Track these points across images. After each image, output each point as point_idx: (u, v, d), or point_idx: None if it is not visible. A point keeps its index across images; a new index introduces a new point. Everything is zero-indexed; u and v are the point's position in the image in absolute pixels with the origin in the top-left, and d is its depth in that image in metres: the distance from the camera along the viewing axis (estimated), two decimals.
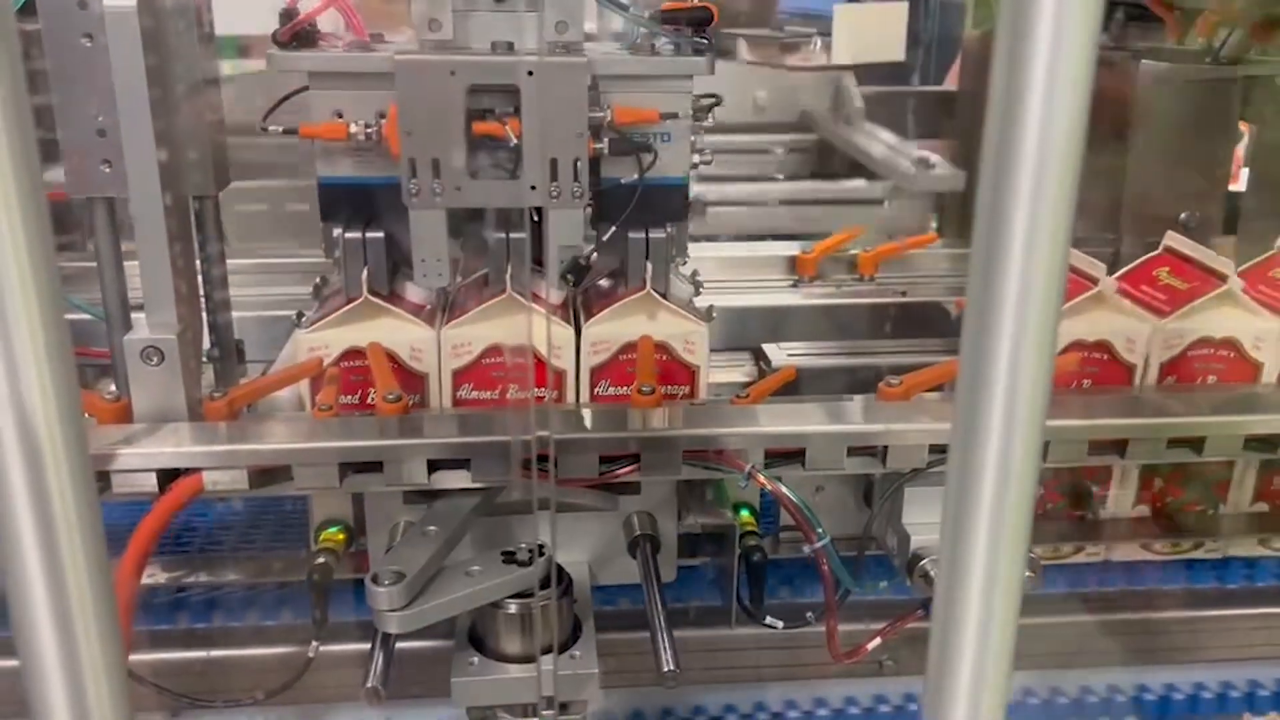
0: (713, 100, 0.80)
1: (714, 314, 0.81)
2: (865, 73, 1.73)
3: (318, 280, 0.86)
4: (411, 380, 0.77)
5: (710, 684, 0.84)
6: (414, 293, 0.81)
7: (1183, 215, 1.09)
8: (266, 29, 0.75)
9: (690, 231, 0.84)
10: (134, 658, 0.65)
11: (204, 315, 0.78)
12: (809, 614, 0.78)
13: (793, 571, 0.88)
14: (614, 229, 0.78)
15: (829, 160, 1.56)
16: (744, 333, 1.02)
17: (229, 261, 0.82)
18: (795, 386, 0.87)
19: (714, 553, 0.87)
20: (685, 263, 0.84)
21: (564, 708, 0.69)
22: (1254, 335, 0.82)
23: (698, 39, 0.77)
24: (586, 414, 0.74)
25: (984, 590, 0.38)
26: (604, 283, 0.84)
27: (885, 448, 0.72)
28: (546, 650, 0.69)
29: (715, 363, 1.00)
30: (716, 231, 1.45)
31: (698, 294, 0.86)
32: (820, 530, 0.72)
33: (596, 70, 0.74)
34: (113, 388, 0.75)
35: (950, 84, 1.82)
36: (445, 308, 0.81)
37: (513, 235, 0.78)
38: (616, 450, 0.71)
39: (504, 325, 0.76)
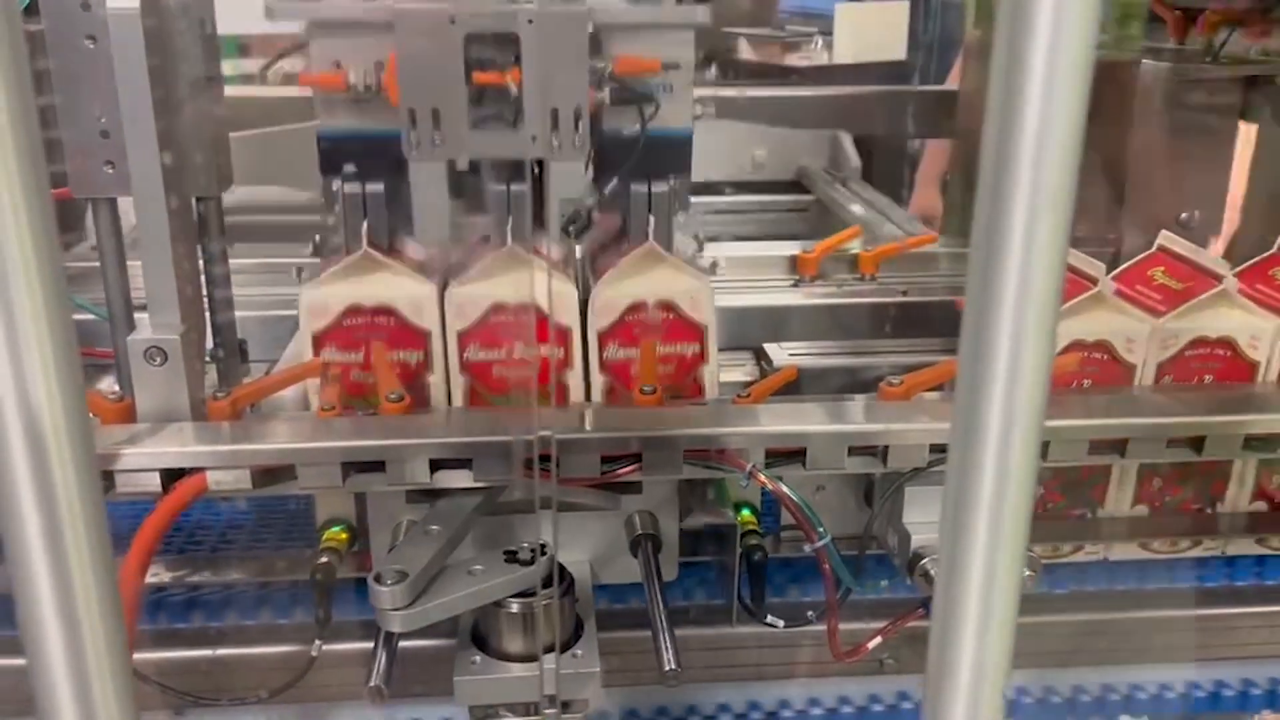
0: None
1: (719, 268, 0.80)
2: (866, 72, 1.73)
3: (316, 238, 0.85)
4: (413, 337, 0.75)
5: (711, 682, 0.84)
6: (414, 250, 0.80)
7: (1182, 215, 1.09)
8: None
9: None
10: (138, 656, 0.65)
11: (207, 315, 0.78)
12: (810, 613, 0.78)
13: (794, 570, 0.89)
14: (615, 181, 0.77)
15: (825, 218, 1.56)
16: (745, 332, 1.02)
17: (232, 261, 0.82)
18: (796, 386, 0.87)
19: (715, 552, 0.87)
20: (686, 217, 0.83)
21: (566, 706, 0.70)
22: (1250, 334, 0.82)
23: None
24: (588, 414, 0.74)
25: (983, 589, 0.38)
26: (605, 242, 0.82)
27: (886, 447, 0.72)
28: (549, 649, 0.69)
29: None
30: (718, 232, 1.45)
31: (700, 251, 0.85)
32: (821, 529, 0.72)
33: (597, 19, 0.73)
34: (116, 387, 0.76)
35: (951, 83, 1.82)
36: (446, 270, 0.79)
37: (514, 187, 0.76)
38: (618, 450, 0.71)
39: (507, 282, 0.74)
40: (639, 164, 0.77)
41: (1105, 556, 0.90)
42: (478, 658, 0.70)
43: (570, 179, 0.75)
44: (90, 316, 0.79)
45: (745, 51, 1.90)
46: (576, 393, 0.78)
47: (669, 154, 0.79)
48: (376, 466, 0.70)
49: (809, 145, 1.69)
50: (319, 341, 0.76)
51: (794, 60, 1.89)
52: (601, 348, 0.77)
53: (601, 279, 0.77)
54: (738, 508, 0.80)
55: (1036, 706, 0.86)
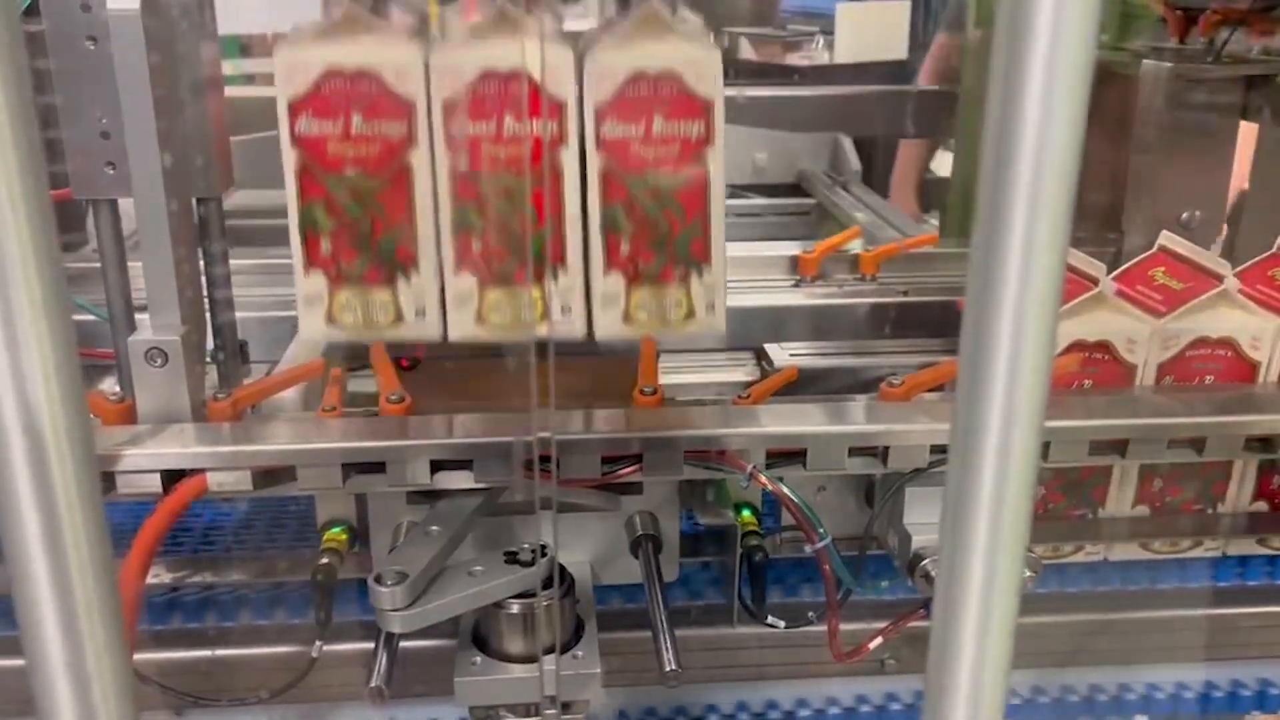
0: None
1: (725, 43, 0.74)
2: (866, 72, 1.73)
3: None
4: (396, 107, 0.67)
5: (712, 683, 0.84)
6: (398, 15, 0.72)
7: (1183, 215, 1.09)
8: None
9: None
10: (139, 657, 0.66)
11: (208, 316, 0.78)
12: (810, 613, 0.78)
13: (794, 571, 0.89)
14: None
15: (826, 221, 1.57)
16: (746, 332, 1.03)
17: (232, 261, 0.82)
18: (797, 386, 0.87)
19: (716, 552, 0.87)
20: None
21: (566, 707, 0.70)
22: (1251, 335, 0.82)
23: None
24: (590, 414, 0.74)
25: (983, 590, 0.38)
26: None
27: (886, 448, 0.72)
28: (549, 650, 0.69)
29: (717, 362, 1.01)
30: None
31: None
32: (822, 530, 0.72)
33: None
34: (117, 388, 0.76)
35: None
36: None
37: None
38: (618, 450, 0.71)
39: (496, 47, 0.67)
40: None
41: (1106, 557, 0.90)
42: (478, 658, 0.70)
43: None
44: (91, 317, 0.79)
45: (746, 51, 1.90)
46: (571, 177, 0.69)
47: None
48: (377, 467, 0.70)
49: (809, 148, 1.69)
50: (294, 110, 0.67)
51: (795, 59, 1.90)
52: (599, 123, 0.68)
53: (598, 44, 0.68)
54: (738, 508, 0.80)
55: (1036, 706, 0.86)
